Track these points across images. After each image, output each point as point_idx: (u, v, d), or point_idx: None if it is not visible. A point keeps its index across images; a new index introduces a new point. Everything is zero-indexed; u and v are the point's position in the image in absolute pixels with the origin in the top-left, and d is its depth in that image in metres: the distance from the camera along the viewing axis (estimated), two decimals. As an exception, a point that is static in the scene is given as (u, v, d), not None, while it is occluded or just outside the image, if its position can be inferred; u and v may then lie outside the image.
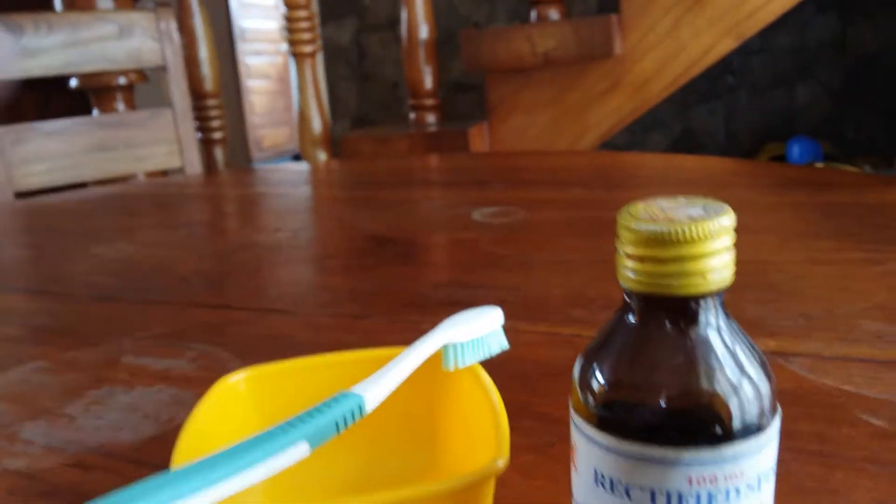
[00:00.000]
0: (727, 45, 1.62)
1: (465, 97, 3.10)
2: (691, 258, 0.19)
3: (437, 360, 0.32)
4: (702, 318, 0.20)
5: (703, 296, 0.20)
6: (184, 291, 0.66)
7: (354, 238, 0.82)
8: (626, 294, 0.21)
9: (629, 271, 0.20)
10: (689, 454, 0.20)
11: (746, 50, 2.84)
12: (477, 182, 1.08)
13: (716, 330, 0.21)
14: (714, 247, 0.20)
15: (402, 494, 0.24)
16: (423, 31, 1.82)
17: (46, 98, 2.67)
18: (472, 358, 0.32)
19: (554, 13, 1.77)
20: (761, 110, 2.95)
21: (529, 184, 1.05)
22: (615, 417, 0.21)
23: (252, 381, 0.33)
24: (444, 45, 2.46)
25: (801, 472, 0.33)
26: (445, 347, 0.31)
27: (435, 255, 0.75)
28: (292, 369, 0.34)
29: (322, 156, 1.83)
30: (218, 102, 1.88)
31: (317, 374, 0.33)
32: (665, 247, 0.19)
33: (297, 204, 1.06)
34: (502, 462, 0.25)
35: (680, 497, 0.20)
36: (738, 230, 0.21)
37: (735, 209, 0.21)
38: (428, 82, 1.83)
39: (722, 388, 0.20)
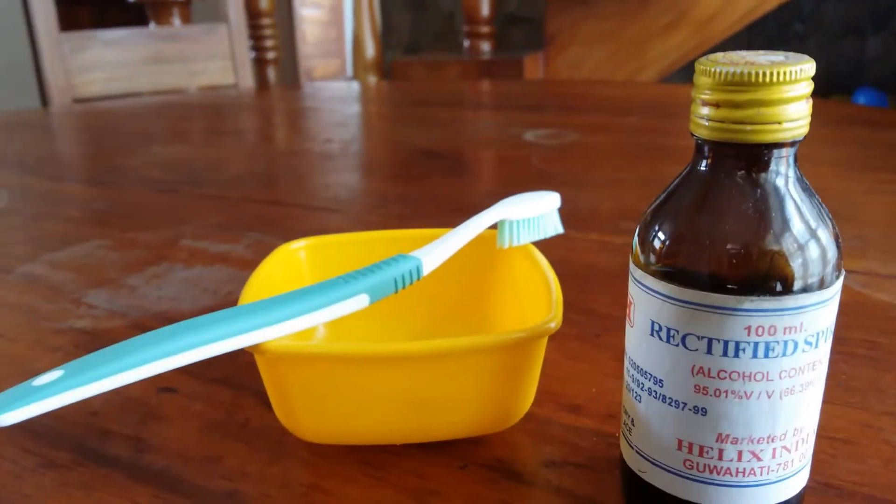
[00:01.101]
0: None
1: (520, 29, 3.03)
2: (768, 103, 0.19)
3: (491, 239, 0.33)
4: (774, 169, 0.20)
5: (778, 145, 0.20)
6: (237, 188, 0.67)
7: (403, 151, 0.82)
8: (698, 146, 0.21)
9: (703, 119, 0.20)
10: (750, 303, 0.20)
11: (818, -5, 2.71)
12: (530, 106, 1.07)
13: (788, 184, 0.20)
14: (792, 93, 0.19)
15: (459, 342, 0.25)
16: (483, -43, 1.78)
17: (102, 11, 2.68)
18: (527, 237, 0.32)
19: (619, -57, 1.71)
20: (829, 59, 2.83)
21: (584, 110, 1.03)
22: (676, 266, 0.21)
23: (312, 248, 0.34)
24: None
25: (851, 373, 0.33)
26: (501, 224, 0.32)
27: (484, 169, 0.75)
28: (351, 240, 0.34)
29: (373, 80, 1.82)
30: (272, 22, 1.87)
31: (375, 246, 0.33)
32: (742, 89, 0.19)
33: (348, 119, 1.06)
34: (554, 323, 0.25)
35: (737, 346, 0.20)
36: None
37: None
38: (485, 9, 1.79)
39: (788, 240, 0.20)
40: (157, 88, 1.49)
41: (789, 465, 0.22)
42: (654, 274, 0.21)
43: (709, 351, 0.20)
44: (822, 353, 0.21)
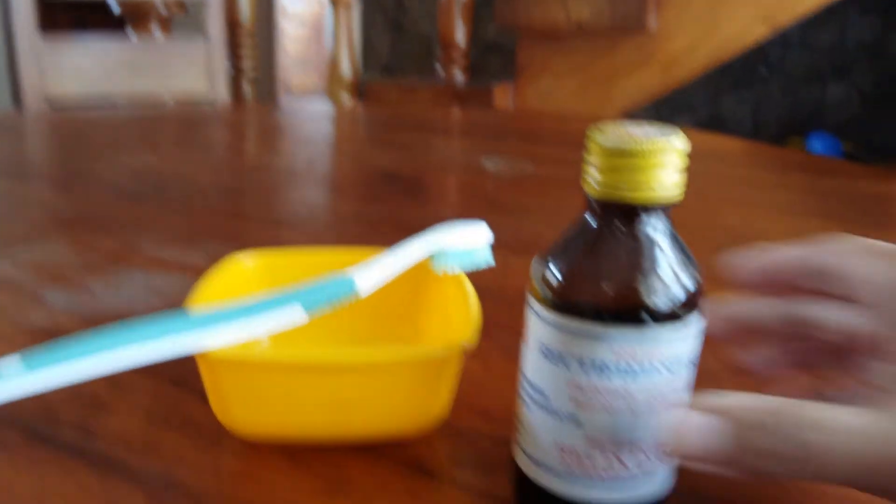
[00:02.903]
0: (760, 33, 1.62)
1: (497, 59, 3.10)
2: (642, 169, 0.23)
3: (425, 266, 0.36)
4: (647, 224, 0.24)
5: (650, 204, 0.24)
6: (201, 199, 0.70)
7: (366, 172, 0.85)
8: (588, 201, 0.25)
9: (592, 179, 0.24)
10: (615, 331, 0.23)
11: (784, 42, 2.81)
12: (494, 136, 1.11)
13: (658, 237, 0.24)
14: (663, 161, 0.23)
15: (379, 355, 0.28)
16: (461, -13, 1.83)
17: (82, 19, 2.69)
18: (459, 267, 0.35)
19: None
20: (791, 104, 2.94)
21: (545, 142, 1.07)
22: (560, 298, 0.25)
23: (259, 260, 0.37)
24: (482, 4, 2.46)
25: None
26: (434, 253, 0.35)
27: (440, 194, 0.78)
28: (296, 255, 0.38)
29: (347, 100, 1.86)
30: (252, 39, 1.90)
31: (319, 261, 0.37)
32: (621, 157, 0.23)
33: (317, 138, 1.09)
34: (468, 344, 0.29)
35: (604, 366, 0.24)
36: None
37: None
38: (460, 37, 1.85)
39: (647, 283, 0.24)
40: (131, 96, 1.51)
41: (650, 469, 0.25)
42: (543, 303, 0.25)
43: (582, 370, 0.24)
44: (681, 379, 0.25)
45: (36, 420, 0.33)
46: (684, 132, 0.24)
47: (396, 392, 0.29)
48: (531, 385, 0.26)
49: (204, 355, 0.27)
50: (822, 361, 0.29)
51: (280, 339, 0.36)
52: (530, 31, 1.75)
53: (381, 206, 0.70)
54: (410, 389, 0.29)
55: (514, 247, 0.58)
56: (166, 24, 1.86)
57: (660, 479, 0.26)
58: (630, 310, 0.24)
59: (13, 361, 0.24)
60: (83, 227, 0.60)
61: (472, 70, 1.96)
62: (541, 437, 0.26)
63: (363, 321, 0.37)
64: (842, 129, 2.84)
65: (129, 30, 1.83)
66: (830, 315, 0.27)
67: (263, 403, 0.29)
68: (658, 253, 0.24)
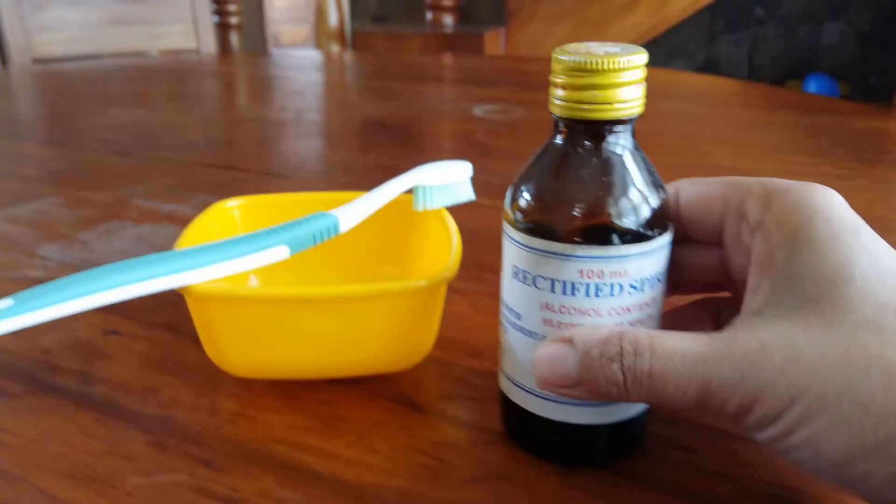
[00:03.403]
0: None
1: (487, 4, 3.04)
2: (601, 87, 0.23)
3: (409, 203, 0.36)
4: (611, 141, 0.24)
5: (612, 122, 0.24)
6: (191, 151, 0.70)
7: (356, 121, 0.85)
8: (554, 121, 0.25)
9: (555, 98, 0.24)
10: (581, 250, 0.24)
11: (779, -20, 2.76)
12: (484, 81, 1.10)
13: (623, 154, 0.24)
14: (622, 79, 0.23)
15: (365, 288, 0.29)
16: (449, -70, 1.79)
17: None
18: (440, 202, 0.36)
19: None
20: (787, 46, 2.90)
21: (535, 87, 1.07)
22: (531, 221, 0.25)
23: (244, 206, 0.37)
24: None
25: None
26: (415, 189, 0.35)
27: (430, 141, 0.78)
28: (281, 200, 0.38)
29: (336, 49, 1.84)
30: (237, -13, 1.86)
31: (304, 205, 0.37)
32: (581, 75, 0.23)
33: (306, 88, 1.08)
34: (449, 273, 0.29)
35: (573, 286, 0.24)
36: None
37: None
38: (449, -17, 1.81)
39: (612, 201, 0.24)
40: (118, 50, 1.49)
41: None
42: (515, 227, 0.25)
43: (552, 290, 0.25)
44: (649, 297, 0.25)
45: (36, 369, 0.34)
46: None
47: (382, 324, 0.29)
48: (507, 307, 0.27)
49: (192, 291, 0.28)
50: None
51: (267, 279, 0.37)
52: (520, -25, 1.72)
53: (371, 154, 0.70)
54: (396, 321, 0.29)
55: (504, 191, 0.58)
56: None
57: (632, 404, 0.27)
58: (596, 229, 0.24)
59: (6, 302, 0.24)
60: (74, 183, 0.61)
61: (462, 16, 1.93)
62: (519, 359, 0.26)
63: (348, 261, 0.37)
64: (839, 71, 2.82)
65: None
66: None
67: (252, 338, 0.29)
68: (623, 171, 0.24)
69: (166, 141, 0.74)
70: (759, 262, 0.24)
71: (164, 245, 0.48)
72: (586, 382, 0.23)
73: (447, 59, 1.36)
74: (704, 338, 0.22)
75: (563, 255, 0.24)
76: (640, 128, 0.25)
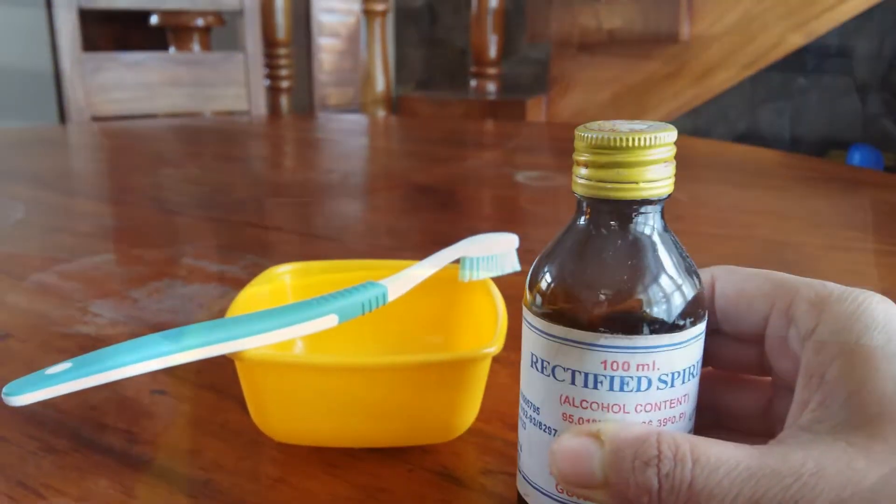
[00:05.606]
0: (795, 42, 1.60)
1: (529, 71, 3.11)
2: (626, 165, 0.22)
3: (455, 272, 0.37)
4: (638, 222, 0.23)
5: (638, 202, 0.22)
6: (240, 211, 0.72)
7: (400, 185, 0.86)
8: (577, 201, 0.24)
9: (578, 177, 0.23)
10: (605, 339, 0.22)
11: (822, 52, 2.77)
12: (526, 148, 1.12)
13: (652, 236, 0.23)
14: (648, 157, 0.22)
15: (410, 359, 0.29)
16: (493, 0, 1.85)
17: (124, 34, 2.77)
18: (485, 273, 0.36)
19: (624, -7, 1.77)
20: (830, 115, 2.89)
21: (576, 155, 1.08)
22: (550, 306, 0.23)
23: (296, 272, 0.38)
24: (514, 17, 2.47)
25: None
26: (462, 259, 0.36)
27: (472, 207, 0.79)
28: (332, 267, 0.39)
29: (381, 113, 1.88)
30: (288, 51, 1.93)
31: (353, 272, 0.38)
32: (605, 153, 0.22)
33: (352, 151, 1.11)
34: (494, 349, 0.29)
35: (595, 379, 0.22)
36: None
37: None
38: (492, 51, 1.86)
39: (642, 285, 0.22)
40: (172, 110, 1.55)
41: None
42: (534, 311, 0.24)
43: (572, 382, 0.23)
44: (681, 393, 0.23)
45: (83, 427, 0.34)
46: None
47: (428, 395, 0.30)
48: (525, 400, 0.25)
49: (240, 356, 0.28)
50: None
51: (312, 344, 0.37)
52: (561, 42, 1.75)
53: (414, 218, 0.71)
54: (441, 392, 0.30)
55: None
56: (205, 40, 1.91)
57: None
58: (622, 316, 0.22)
59: (65, 365, 0.25)
60: (127, 240, 0.62)
61: (505, 83, 1.97)
62: (537, 458, 0.24)
63: (392, 329, 0.38)
64: (883, 141, 2.79)
65: (171, 47, 1.88)
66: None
67: (297, 405, 0.30)
68: (653, 254, 0.23)
69: (216, 200, 0.76)
70: (809, 373, 0.22)
71: (212, 304, 0.49)
72: (613, 486, 0.21)
73: (489, 125, 1.39)
74: (751, 450, 0.21)
75: (584, 343, 0.22)
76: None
